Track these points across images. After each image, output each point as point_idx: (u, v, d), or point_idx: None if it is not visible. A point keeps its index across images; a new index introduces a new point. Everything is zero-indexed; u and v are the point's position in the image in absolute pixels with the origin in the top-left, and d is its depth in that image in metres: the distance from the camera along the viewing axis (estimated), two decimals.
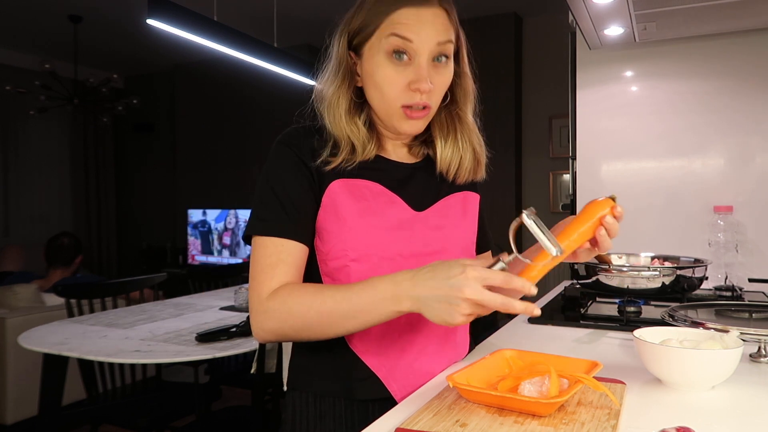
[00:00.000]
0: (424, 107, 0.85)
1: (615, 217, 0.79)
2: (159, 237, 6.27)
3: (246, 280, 3.33)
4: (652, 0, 1.45)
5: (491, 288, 0.70)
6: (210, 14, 2.87)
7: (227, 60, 3.72)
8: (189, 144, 5.98)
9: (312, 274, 0.89)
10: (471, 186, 0.99)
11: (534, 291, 0.72)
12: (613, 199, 0.80)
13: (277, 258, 0.83)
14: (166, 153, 6.30)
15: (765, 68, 1.74)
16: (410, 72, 0.83)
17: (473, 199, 1.00)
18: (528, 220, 0.72)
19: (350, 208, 0.85)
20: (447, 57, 0.86)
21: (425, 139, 0.97)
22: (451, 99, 0.93)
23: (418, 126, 0.88)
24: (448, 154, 0.94)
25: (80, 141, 6.26)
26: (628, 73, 1.92)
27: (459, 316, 0.70)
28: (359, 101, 0.90)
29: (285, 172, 0.87)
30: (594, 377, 0.72)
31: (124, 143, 6.68)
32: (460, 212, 0.96)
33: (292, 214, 0.84)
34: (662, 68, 1.87)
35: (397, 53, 0.83)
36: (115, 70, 5.96)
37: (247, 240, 0.87)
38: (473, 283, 0.68)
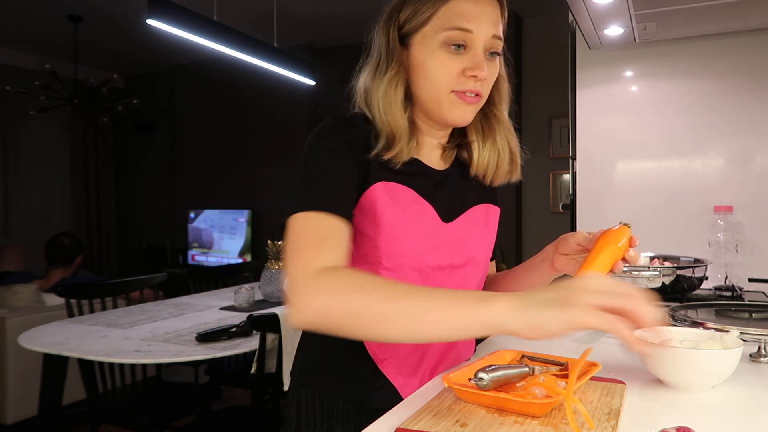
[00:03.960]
0: (476, 94, 0.83)
1: (632, 246, 0.78)
2: (159, 237, 6.27)
3: (246, 280, 3.33)
4: (652, 0, 1.45)
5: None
6: (210, 14, 2.87)
7: (227, 60, 3.72)
8: (189, 144, 5.98)
9: None
10: (493, 198, 0.97)
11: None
12: (627, 226, 0.80)
13: (326, 232, 0.74)
14: (166, 153, 6.30)
15: (765, 68, 1.74)
16: (466, 59, 0.81)
17: (494, 212, 0.97)
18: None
19: (389, 214, 0.82)
20: (498, 54, 0.85)
21: (459, 142, 0.94)
22: (488, 100, 0.90)
23: (468, 114, 0.85)
24: (486, 157, 0.92)
25: (80, 141, 6.25)
26: (628, 73, 1.92)
27: (578, 311, 0.59)
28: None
29: (334, 158, 0.80)
30: (594, 377, 0.72)
31: (124, 143, 6.67)
32: (483, 224, 0.94)
33: (343, 193, 0.78)
34: (662, 68, 1.87)
35: (456, 45, 0.80)
36: (115, 70, 5.95)
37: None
38: (593, 288, 0.61)
